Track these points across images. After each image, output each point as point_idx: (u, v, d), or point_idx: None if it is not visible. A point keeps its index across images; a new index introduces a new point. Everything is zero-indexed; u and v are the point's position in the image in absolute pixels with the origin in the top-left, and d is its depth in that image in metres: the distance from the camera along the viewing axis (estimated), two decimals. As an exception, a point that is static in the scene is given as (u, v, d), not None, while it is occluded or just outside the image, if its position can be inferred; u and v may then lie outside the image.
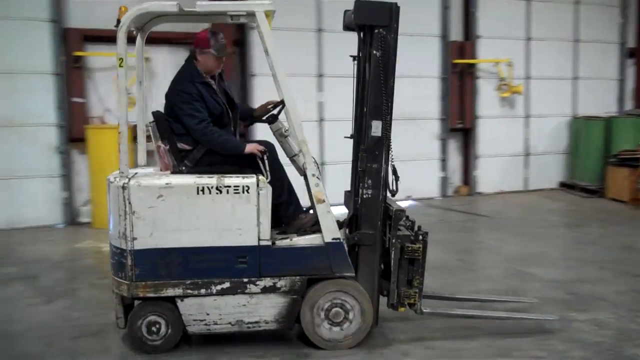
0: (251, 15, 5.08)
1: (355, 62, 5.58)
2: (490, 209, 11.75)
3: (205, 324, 5.22)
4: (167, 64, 10.65)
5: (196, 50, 5.39)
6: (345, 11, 5.68)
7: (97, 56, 10.59)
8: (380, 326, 5.66)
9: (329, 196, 5.27)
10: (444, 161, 12.96)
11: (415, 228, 5.50)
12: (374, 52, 5.24)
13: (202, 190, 5.07)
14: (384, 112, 5.31)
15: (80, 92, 10.57)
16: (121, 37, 5.00)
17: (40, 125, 10.33)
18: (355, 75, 5.58)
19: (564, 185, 13.72)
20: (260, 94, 11.08)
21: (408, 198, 12.42)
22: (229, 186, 5.08)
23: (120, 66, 5.01)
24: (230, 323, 5.23)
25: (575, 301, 6.43)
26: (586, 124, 13.31)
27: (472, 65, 12.83)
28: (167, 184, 5.07)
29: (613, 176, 12.39)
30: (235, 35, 11.13)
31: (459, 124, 12.94)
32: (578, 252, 8.52)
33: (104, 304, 6.34)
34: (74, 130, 10.48)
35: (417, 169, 12.47)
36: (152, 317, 5.19)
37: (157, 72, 10.67)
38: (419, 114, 12.54)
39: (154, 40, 10.47)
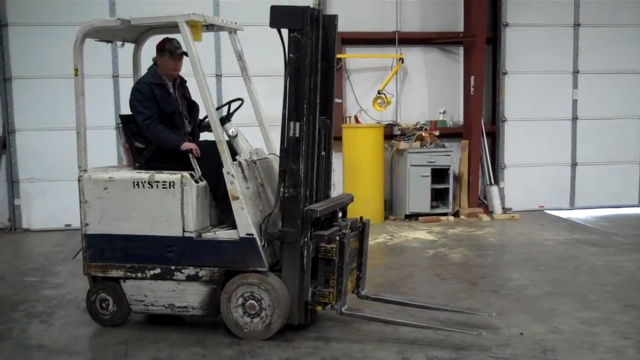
0: (175, 26, 5.56)
1: None
2: None
3: (145, 305, 5.81)
4: (420, 63, 11.41)
5: (157, 54, 6.01)
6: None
7: (354, 58, 11.30)
8: (317, 325, 5.80)
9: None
10: None
11: (346, 230, 5.55)
12: (290, 55, 5.41)
13: (137, 184, 5.68)
14: (302, 113, 5.44)
15: (339, 93, 11.14)
16: (76, 50, 5.80)
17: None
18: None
19: None
20: (510, 92, 11.47)
21: None
22: (158, 181, 5.63)
23: (75, 75, 5.81)
24: (164, 306, 5.76)
25: None
26: None
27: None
28: (110, 177, 5.77)
29: None
30: (488, 33, 11.34)
31: None
32: None
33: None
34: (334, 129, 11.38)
35: None
36: (102, 295, 5.92)
37: (410, 71, 11.41)
38: None
39: (408, 41, 11.29)
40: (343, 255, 5.44)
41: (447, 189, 10.96)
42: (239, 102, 6.09)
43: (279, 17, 5.40)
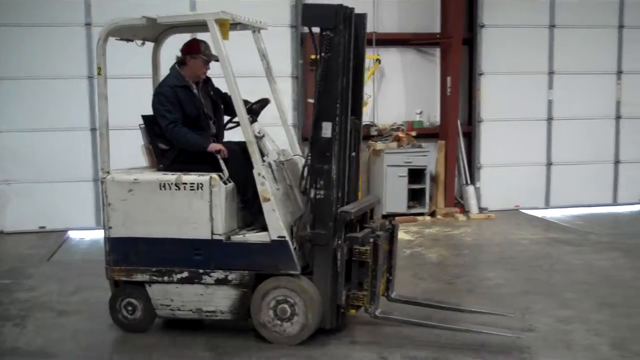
0: (202, 24, 5.45)
1: None
2: None
3: (171, 309, 5.68)
4: (397, 64, 11.42)
5: (186, 56, 5.86)
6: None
7: None
8: (348, 328, 5.71)
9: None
10: None
11: (380, 232, 5.48)
12: (322, 54, 5.33)
13: (164, 186, 5.55)
14: (334, 113, 5.35)
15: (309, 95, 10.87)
16: (99, 49, 5.66)
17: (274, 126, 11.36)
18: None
19: None
20: (487, 92, 11.50)
21: None
22: (186, 183, 5.50)
23: (99, 74, 5.67)
24: (191, 310, 5.63)
25: None
26: None
27: None
28: (135, 179, 5.63)
29: None
30: (464, 34, 11.39)
31: None
32: None
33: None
34: (306, 130, 10.97)
35: None
36: (129, 299, 5.78)
37: (387, 72, 11.40)
38: None
39: (385, 42, 11.20)
40: (377, 258, 5.37)
41: (423, 189, 10.92)
42: (260, 102, 5.99)
43: (311, 15, 5.34)
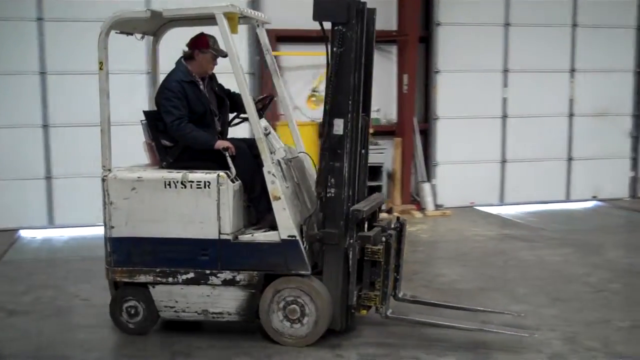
0: (210, 18, 5.30)
1: None
2: None
3: (175, 311, 5.52)
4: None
5: (195, 50, 5.70)
6: None
7: (288, 56, 11.10)
8: (357, 328, 5.61)
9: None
10: (634, 160, 12.27)
11: (390, 230, 5.39)
12: (334, 49, 5.21)
13: (169, 184, 5.38)
14: (346, 110, 5.24)
15: (273, 91, 10.90)
16: (101, 42, 5.46)
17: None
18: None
19: None
20: (443, 90, 11.49)
21: (593, 198, 12.10)
22: (192, 181, 5.34)
23: (100, 69, 5.47)
24: (196, 312, 5.48)
25: None
26: None
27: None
28: (139, 177, 5.46)
29: None
30: (421, 32, 11.39)
31: None
32: None
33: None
34: None
35: (605, 168, 12.14)
36: (131, 301, 5.60)
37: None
38: (609, 110, 12.06)
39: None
40: (389, 257, 5.28)
41: (380, 187, 10.88)
42: (269, 99, 5.88)
43: (323, 9, 5.20)
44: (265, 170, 5.30)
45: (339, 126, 5.26)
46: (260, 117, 5.74)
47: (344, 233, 5.28)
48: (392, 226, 5.73)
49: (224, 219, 5.32)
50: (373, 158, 10.35)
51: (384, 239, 5.26)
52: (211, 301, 5.44)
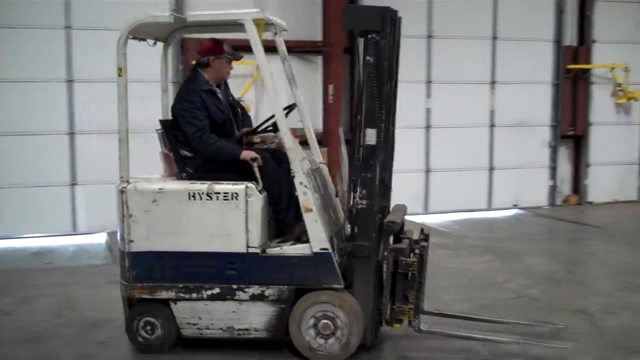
0: (239, 24, 5.14)
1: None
2: (601, 219, 11.14)
3: (198, 328, 5.30)
4: (279, 71, 11.02)
5: (209, 57, 5.52)
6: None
7: None
8: (385, 342, 5.51)
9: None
10: (553, 169, 12.53)
11: (418, 242, 5.30)
12: (367, 57, 5.11)
13: (193, 196, 5.17)
14: (379, 119, 5.14)
15: None
16: (120, 48, 5.21)
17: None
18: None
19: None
20: None
21: (514, 206, 12.31)
22: (219, 193, 5.15)
23: (119, 76, 5.22)
24: (221, 329, 5.28)
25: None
26: None
27: (587, 71, 12.21)
28: (160, 189, 5.23)
29: None
30: (346, 43, 11.29)
31: (571, 130, 12.41)
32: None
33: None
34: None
35: (525, 177, 12.40)
36: (148, 318, 5.35)
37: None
38: (529, 120, 12.32)
39: (266, 49, 11.00)
40: (422, 269, 5.20)
41: None
42: (290, 107, 5.76)
43: (357, 17, 5.11)
44: (296, 181, 5.14)
45: (371, 136, 5.15)
46: (277, 130, 5.62)
47: (376, 245, 5.18)
48: (418, 237, 5.65)
49: (252, 232, 5.14)
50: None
51: (417, 250, 5.18)
52: (237, 317, 5.25)
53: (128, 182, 5.29)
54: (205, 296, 5.22)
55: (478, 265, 8.29)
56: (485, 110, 12.21)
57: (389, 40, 5.12)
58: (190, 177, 5.42)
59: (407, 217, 5.74)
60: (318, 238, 5.11)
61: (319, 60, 11.48)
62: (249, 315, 5.23)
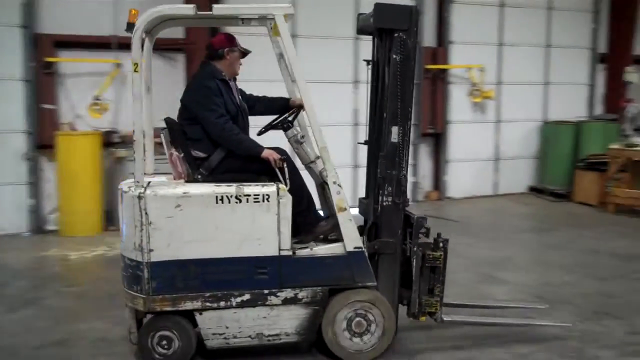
0: (269, 19, 4.95)
1: (369, 66, 5.53)
2: (459, 213, 11.73)
3: (225, 338, 5.04)
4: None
5: (225, 50, 5.28)
6: (359, 14, 5.62)
7: (69, 62, 10.34)
8: (399, 336, 5.57)
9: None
10: (414, 166, 12.97)
11: (435, 235, 5.43)
12: (394, 56, 5.13)
13: (222, 199, 4.89)
14: (403, 117, 5.21)
15: (51, 99, 10.29)
16: (136, 41, 4.80)
17: (8, 132, 10.04)
18: (369, 80, 5.53)
19: (533, 190, 13.72)
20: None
21: None
22: (249, 195, 4.92)
23: (135, 71, 4.80)
24: (250, 336, 5.06)
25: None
26: (556, 129, 13.37)
27: (444, 71, 12.84)
28: (184, 193, 4.88)
29: (581, 180, 12.48)
30: (209, 40, 10.91)
31: (430, 128, 12.96)
32: (546, 256, 8.59)
33: (70, 313, 6.34)
34: (43, 137, 10.18)
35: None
36: (164, 332, 4.99)
37: (130, 77, 10.47)
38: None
39: (126, 46, 10.62)
40: (446, 262, 5.35)
41: None
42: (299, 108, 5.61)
43: (387, 15, 5.11)
44: (330, 180, 5.06)
45: (396, 134, 5.20)
46: (292, 124, 5.49)
47: (401, 241, 5.25)
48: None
49: (284, 234, 4.98)
50: (163, 168, 10.13)
51: (441, 244, 5.32)
52: (268, 323, 5.06)
53: (144, 187, 4.88)
54: (234, 304, 4.97)
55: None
56: (349, 110, 12.28)
57: (414, 39, 5.19)
58: (205, 180, 5.11)
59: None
60: (352, 237, 5.08)
61: (180, 57, 11.16)
62: (280, 319, 5.07)
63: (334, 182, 5.06)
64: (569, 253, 8.63)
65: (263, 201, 4.93)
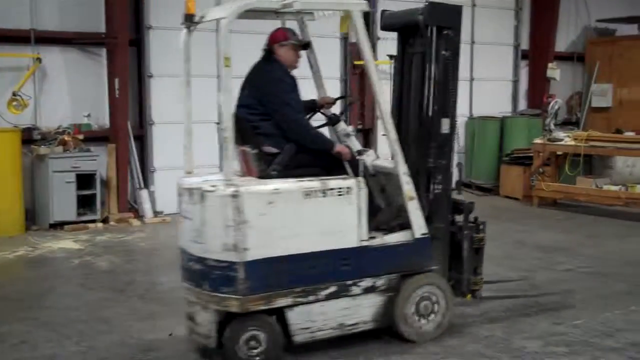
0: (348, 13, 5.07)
1: (393, 61, 5.82)
2: None
3: (311, 332, 5.07)
4: (60, 64, 10.55)
5: (275, 45, 5.30)
6: (383, 11, 5.87)
7: None
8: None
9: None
10: None
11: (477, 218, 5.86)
12: (443, 52, 5.46)
13: (308, 194, 4.93)
14: (452, 109, 5.57)
15: None
16: (226, 33, 4.68)
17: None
18: (393, 75, 5.84)
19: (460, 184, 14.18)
20: (157, 95, 11.02)
21: None
22: (333, 188, 5.00)
23: (226, 66, 4.65)
24: (333, 328, 5.14)
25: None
26: (481, 124, 13.71)
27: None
28: (275, 189, 4.85)
29: (506, 174, 12.81)
30: (131, 35, 10.80)
31: (360, 124, 12.67)
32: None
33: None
34: None
35: None
36: (253, 332, 4.91)
37: (50, 72, 10.37)
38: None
39: (45, 40, 10.28)
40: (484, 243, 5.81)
41: (94, 195, 10.42)
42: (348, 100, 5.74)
43: (438, 14, 5.42)
44: (400, 171, 5.27)
45: (445, 125, 5.55)
46: (339, 119, 5.62)
47: (449, 226, 5.62)
48: None
49: (363, 225, 5.13)
50: (85, 165, 10.29)
51: (481, 226, 5.76)
52: (349, 313, 5.18)
53: (236, 185, 4.76)
54: (322, 297, 5.02)
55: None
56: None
57: (459, 36, 5.57)
58: (279, 176, 5.09)
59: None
60: (419, 224, 5.35)
61: (102, 52, 10.75)
62: (360, 309, 5.21)
63: (404, 173, 5.29)
64: (495, 245, 8.60)
65: (346, 194, 5.04)
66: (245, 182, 4.86)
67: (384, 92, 5.28)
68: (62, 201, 9.93)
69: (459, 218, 5.71)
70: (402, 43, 5.85)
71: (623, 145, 10.90)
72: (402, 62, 5.84)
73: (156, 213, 11.00)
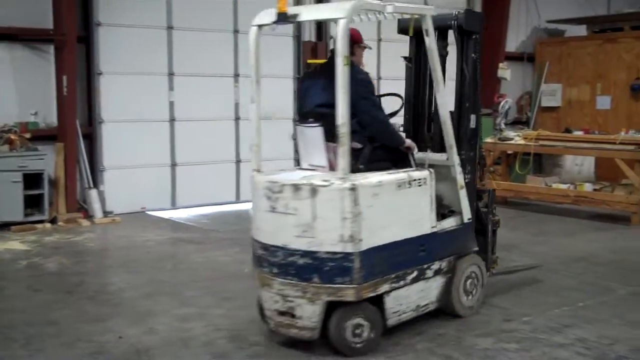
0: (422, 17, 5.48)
1: (408, 63, 6.34)
2: None
3: (399, 315, 5.41)
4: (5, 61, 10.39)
5: (361, 45, 5.63)
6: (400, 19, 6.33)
7: None
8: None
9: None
10: (298, 161, 12.65)
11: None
12: (472, 54, 6.10)
13: (400, 185, 5.29)
14: (478, 107, 6.22)
15: None
16: (345, 33, 4.82)
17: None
18: (406, 76, 6.40)
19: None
20: (107, 93, 10.90)
21: None
22: (415, 180, 5.41)
23: (345, 65, 4.82)
24: (412, 310, 5.53)
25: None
26: None
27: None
28: (379, 182, 5.15)
29: None
30: (80, 32, 10.62)
31: None
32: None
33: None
34: None
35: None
36: (358, 320, 5.13)
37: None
38: (277, 113, 11.97)
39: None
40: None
41: (42, 195, 10.11)
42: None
43: (473, 21, 6.04)
44: (455, 162, 5.80)
45: (473, 121, 6.17)
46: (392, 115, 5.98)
47: (476, 211, 6.25)
48: None
49: (433, 213, 5.60)
50: (32, 165, 10.23)
51: (494, 211, 6.48)
52: (424, 295, 5.61)
53: (344, 178, 4.96)
54: (409, 281, 5.40)
55: (225, 257, 8.35)
56: (230, 103, 11.99)
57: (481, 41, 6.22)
58: (365, 170, 5.34)
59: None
60: (468, 210, 5.94)
61: (51, 49, 10.53)
62: (430, 290, 5.66)
63: (458, 164, 5.83)
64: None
65: (423, 185, 5.46)
66: (354, 177, 5.06)
67: (444, 94, 5.76)
68: (8, 201, 9.79)
69: (480, 204, 6.36)
70: (417, 46, 6.34)
71: (572, 145, 11.28)
72: (418, 63, 6.35)
73: (106, 213, 10.84)
